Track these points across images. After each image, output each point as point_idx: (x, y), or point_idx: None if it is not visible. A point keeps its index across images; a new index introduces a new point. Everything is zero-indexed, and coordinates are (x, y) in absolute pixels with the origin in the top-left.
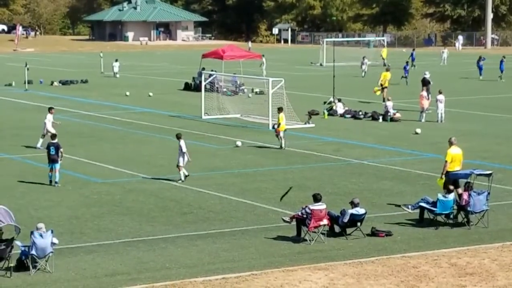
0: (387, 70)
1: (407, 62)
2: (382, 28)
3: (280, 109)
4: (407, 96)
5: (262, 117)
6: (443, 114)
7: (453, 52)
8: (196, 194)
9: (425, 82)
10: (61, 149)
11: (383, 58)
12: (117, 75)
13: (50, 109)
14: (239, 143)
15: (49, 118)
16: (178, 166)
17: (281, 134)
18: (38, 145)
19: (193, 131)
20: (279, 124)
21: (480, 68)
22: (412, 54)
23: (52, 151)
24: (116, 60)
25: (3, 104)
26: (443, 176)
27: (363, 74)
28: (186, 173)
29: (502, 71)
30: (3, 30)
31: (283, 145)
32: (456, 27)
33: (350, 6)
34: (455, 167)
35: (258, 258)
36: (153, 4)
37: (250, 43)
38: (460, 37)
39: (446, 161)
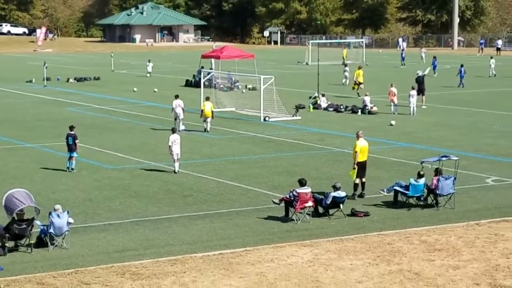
0: (359, 68)
1: (462, 65)
2: (361, 31)
3: (207, 98)
4: (385, 91)
5: (254, 110)
6: (415, 107)
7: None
8: (196, 179)
9: (418, 81)
10: (77, 140)
11: (343, 58)
12: (150, 75)
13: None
14: (182, 127)
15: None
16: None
17: (208, 119)
18: (181, 128)
19: (193, 123)
20: (202, 111)
21: (434, 67)
22: (402, 54)
23: (70, 141)
24: (149, 61)
25: (24, 99)
26: (355, 166)
27: (344, 81)
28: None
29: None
30: (24, 32)
31: (207, 129)
32: (427, 30)
33: (332, 12)
34: (363, 158)
35: (251, 236)
36: (158, 10)
37: (214, 45)
38: (400, 39)
39: (356, 152)
